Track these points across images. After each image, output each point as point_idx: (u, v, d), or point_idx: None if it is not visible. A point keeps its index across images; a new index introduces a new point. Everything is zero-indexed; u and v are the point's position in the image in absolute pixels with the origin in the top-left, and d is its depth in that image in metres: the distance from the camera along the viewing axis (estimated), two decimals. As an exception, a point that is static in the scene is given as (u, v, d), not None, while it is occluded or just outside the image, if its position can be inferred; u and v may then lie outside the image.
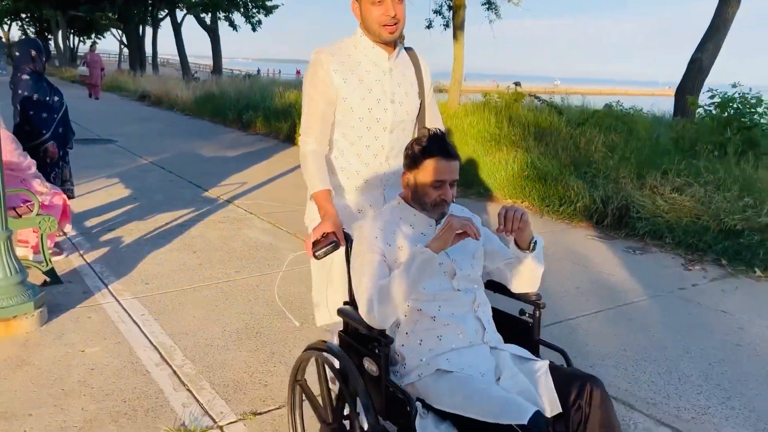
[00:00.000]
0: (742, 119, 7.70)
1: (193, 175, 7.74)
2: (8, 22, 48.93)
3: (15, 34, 52.33)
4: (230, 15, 29.06)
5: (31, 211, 3.90)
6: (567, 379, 1.71)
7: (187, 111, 15.92)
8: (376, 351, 1.75)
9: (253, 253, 4.83)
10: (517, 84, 22.44)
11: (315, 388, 2.09)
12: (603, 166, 6.98)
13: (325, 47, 2.18)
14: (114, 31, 43.40)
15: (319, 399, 2.05)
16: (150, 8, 30.92)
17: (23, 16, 45.69)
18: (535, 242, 1.89)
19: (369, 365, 1.80)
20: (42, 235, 3.85)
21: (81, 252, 4.62)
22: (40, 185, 4.19)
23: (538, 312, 1.97)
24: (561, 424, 1.67)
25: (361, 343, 1.85)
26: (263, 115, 12.54)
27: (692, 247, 5.32)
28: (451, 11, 11.96)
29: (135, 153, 9.29)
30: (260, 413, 2.65)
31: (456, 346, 1.80)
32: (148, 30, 33.87)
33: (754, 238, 5.04)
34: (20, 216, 3.93)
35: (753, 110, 7.82)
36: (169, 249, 4.82)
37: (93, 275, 4.17)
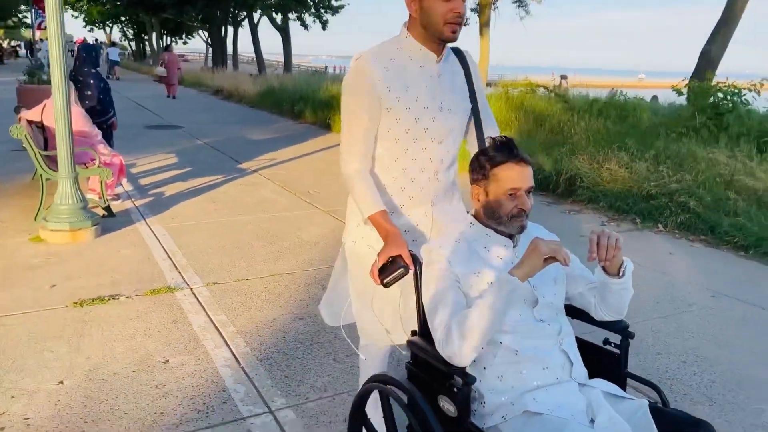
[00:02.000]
0: (721, 105, 8.46)
1: (235, 153, 9.43)
2: (110, 25, 53.97)
3: (116, 35, 57.48)
4: (302, 15, 31.16)
5: (95, 165, 5.59)
6: (672, 423, 1.55)
7: (252, 104, 17.88)
8: (455, 390, 1.61)
9: (259, 204, 6.36)
10: (563, 77, 23.25)
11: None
12: (576, 146, 8.01)
13: (365, 52, 1.97)
14: (201, 32, 46.84)
15: None
16: (230, 10, 33.52)
17: (123, 19, 50.18)
18: (625, 266, 1.70)
19: (445, 404, 1.66)
20: (101, 182, 5.53)
21: (132, 199, 6.32)
22: (103, 148, 5.89)
23: (626, 342, 1.81)
24: None
25: (436, 379, 1.69)
26: (311, 106, 14.17)
27: (619, 209, 6.37)
28: (477, 9, 13.06)
29: (194, 136, 11.14)
30: (219, 283, 4.13)
31: (541, 384, 1.63)
32: (231, 30, 36.69)
33: (663, 201, 6.03)
34: (87, 167, 5.62)
35: (730, 98, 8.55)
36: (196, 200, 6.44)
37: (137, 213, 5.83)
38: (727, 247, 5.29)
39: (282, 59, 34.59)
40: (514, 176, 1.68)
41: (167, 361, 3.07)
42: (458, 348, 1.55)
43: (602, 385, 1.67)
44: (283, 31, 28.79)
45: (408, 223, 2.07)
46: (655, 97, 13.29)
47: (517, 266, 1.56)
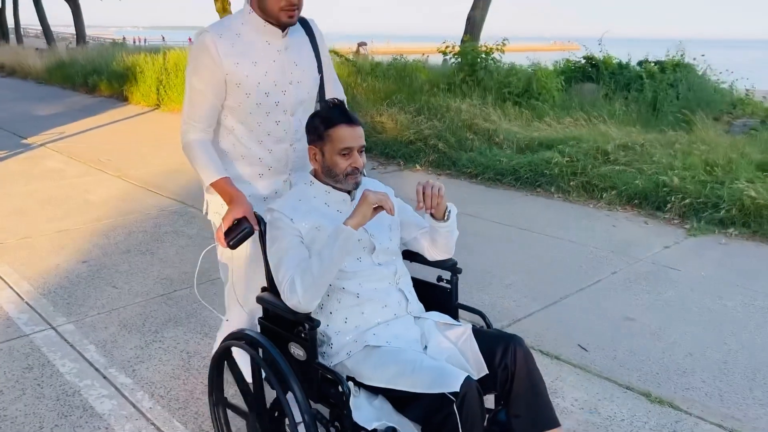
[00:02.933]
0: (476, 63, 9.90)
1: (19, 129, 9.07)
2: None
3: None
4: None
5: None
6: (490, 341, 1.75)
7: (40, 79, 16.67)
8: (303, 335, 1.73)
9: (45, 174, 6.41)
10: (361, 44, 24.29)
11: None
12: (357, 104, 8.96)
13: (210, 28, 1.99)
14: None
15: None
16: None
17: None
18: (449, 211, 1.89)
19: (295, 350, 1.78)
20: None
21: None
22: None
23: (455, 278, 2.00)
24: (488, 385, 1.71)
25: (285, 328, 1.82)
26: (107, 78, 13.69)
27: (388, 155, 7.40)
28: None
29: (-30, 115, 10.40)
30: (1, 243, 4.35)
31: (381, 320, 1.80)
32: (10, 2, 32.84)
33: (419, 145, 7.18)
34: None
35: (484, 57, 10.03)
36: (-25, 175, 6.32)
37: None
38: (464, 177, 6.53)
39: (101, 32, 31.91)
40: (347, 136, 1.79)
41: (-52, 306, 3.35)
42: (302, 296, 1.66)
43: (435, 316, 1.88)
44: (72, 1, 26.57)
45: (268, 190, 2.14)
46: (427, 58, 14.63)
47: (350, 217, 1.70)
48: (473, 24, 12.96)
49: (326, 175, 1.86)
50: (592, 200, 5.51)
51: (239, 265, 2.21)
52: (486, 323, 1.94)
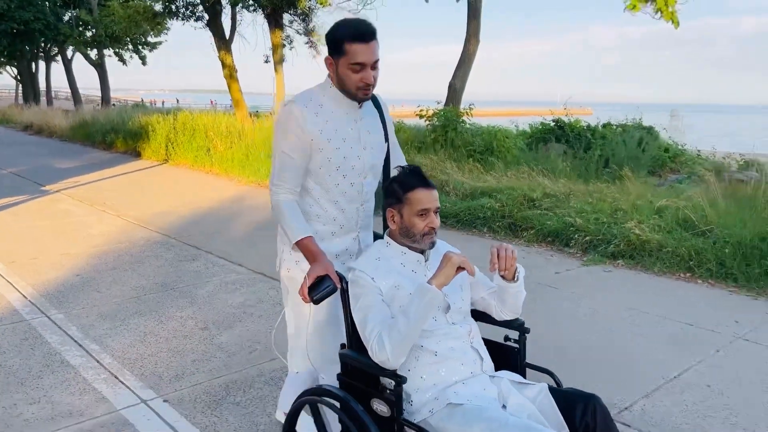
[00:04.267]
0: (447, 125, 11.06)
1: (40, 178, 10.32)
2: None
3: None
4: (119, 51, 31.28)
5: None
6: (568, 399, 1.78)
7: (64, 137, 18.25)
8: (387, 391, 1.79)
9: (56, 214, 7.52)
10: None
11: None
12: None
13: (296, 98, 2.19)
14: (9, 67, 44.22)
15: None
16: (41, 45, 32.58)
17: None
18: (518, 273, 1.95)
19: (378, 406, 1.82)
20: None
21: (-65, 215, 7.18)
22: None
23: (524, 337, 2.04)
24: None
25: (367, 384, 1.87)
26: (123, 136, 15.11)
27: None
28: (272, 50, 15.04)
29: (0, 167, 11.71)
30: (15, 261, 5.38)
31: (459, 379, 1.85)
32: (44, 66, 35.45)
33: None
34: None
35: (456, 120, 11.19)
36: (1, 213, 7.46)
37: (-60, 224, 6.76)
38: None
39: (117, 94, 34.21)
40: (424, 199, 1.92)
41: (-31, 301, 4.35)
42: (390, 352, 1.74)
43: (507, 375, 1.93)
44: (99, 66, 28.80)
45: (339, 248, 2.26)
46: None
47: (434, 277, 1.79)
48: (454, 91, 14.23)
49: (403, 235, 1.96)
50: (515, 238, 6.44)
51: (317, 321, 2.25)
52: (556, 382, 1.98)
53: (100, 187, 9.70)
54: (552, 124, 11.86)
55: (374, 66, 2.09)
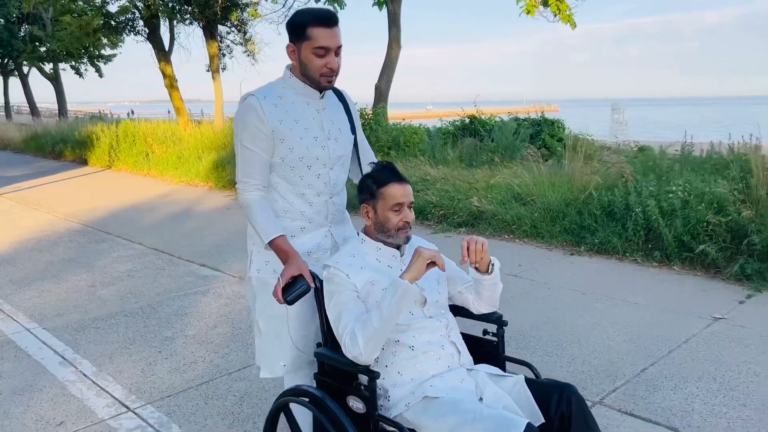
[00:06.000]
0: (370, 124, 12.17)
1: (-16, 185, 11.21)
2: None
3: None
4: (75, 65, 31.90)
5: None
6: (544, 390, 1.80)
7: (17, 149, 18.99)
8: (362, 387, 1.80)
9: (-6, 214, 8.47)
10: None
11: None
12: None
13: (254, 92, 2.12)
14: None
15: None
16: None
17: None
18: (493, 265, 1.96)
19: (354, 403, 1.83)
20: None
21: None
22: None
23: (502, 330, 2.06)
24: None
25: (342, 382, 1.88)
26: (71, 146, 15.97)
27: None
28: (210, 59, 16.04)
29: (-53, 177, 12.54)
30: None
31: (436, 373, 1.87)
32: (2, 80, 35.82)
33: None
34: None
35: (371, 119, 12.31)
36: (-60, 214, 8.38)
37: None
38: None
39: (82, 107, 34.72)
40: (398, 193, 1.91)
41: None
42: (363, 347, 1.75)
43: (485, 368, 1.93)
44: (54, 80, 29.46)
45: (311, 244, 2.19)
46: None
47: (405, 271, 1.79)
48: (380, 92, 15.39)
49: (378, 231, 1.96)
50: (389, 217, 7.56)
51: (295, 320, 2.18)
52: (535, 374, 1.99)
53: (42, 190, 10.60)
54: (467, 121, 13.14)
55: (337, 52, 2.07)
